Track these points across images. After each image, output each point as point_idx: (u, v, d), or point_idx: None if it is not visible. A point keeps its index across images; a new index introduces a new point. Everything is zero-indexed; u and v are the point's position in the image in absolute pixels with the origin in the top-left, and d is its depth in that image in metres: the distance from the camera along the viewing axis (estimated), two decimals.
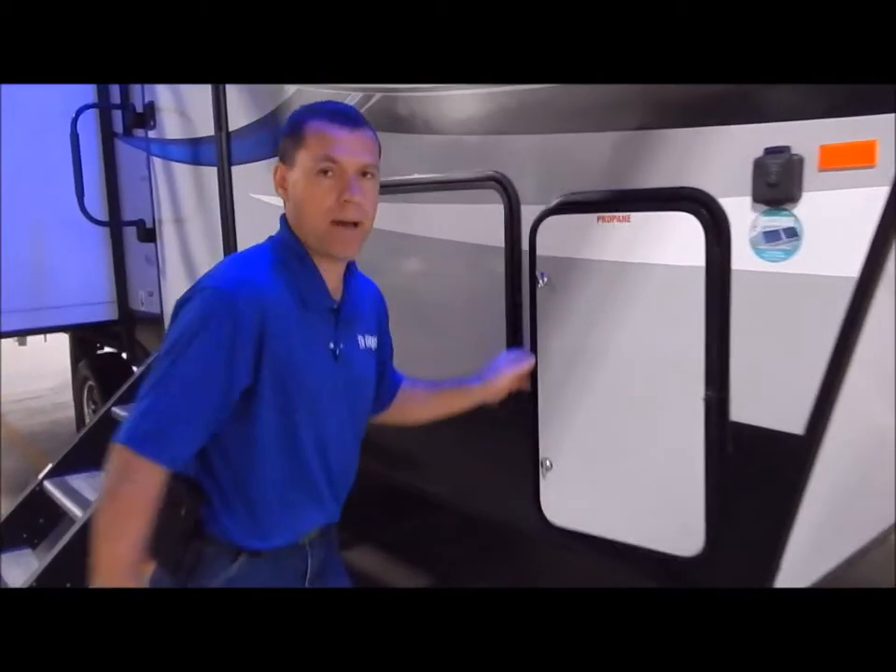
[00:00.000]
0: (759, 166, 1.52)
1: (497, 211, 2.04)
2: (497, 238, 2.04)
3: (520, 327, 2.05)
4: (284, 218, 1.42)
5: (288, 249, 1.37)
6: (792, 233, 1.49)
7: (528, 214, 1.99)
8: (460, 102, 2.08)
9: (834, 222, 1.45)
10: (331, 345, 1.39)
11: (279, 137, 1.40)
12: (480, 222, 2.09)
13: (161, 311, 3.63)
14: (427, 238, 2.23)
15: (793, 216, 1.50)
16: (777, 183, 1.49)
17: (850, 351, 1.47)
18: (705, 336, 1.63)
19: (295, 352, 1.32)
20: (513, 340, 2.05)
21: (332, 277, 1.41)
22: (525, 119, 1.96)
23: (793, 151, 1.48)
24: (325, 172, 1.31)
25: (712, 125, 1.60)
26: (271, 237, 1.44)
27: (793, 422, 1.53)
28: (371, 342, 1.52)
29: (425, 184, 2.18)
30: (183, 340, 1.26)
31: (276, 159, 1.42)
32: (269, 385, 1.30)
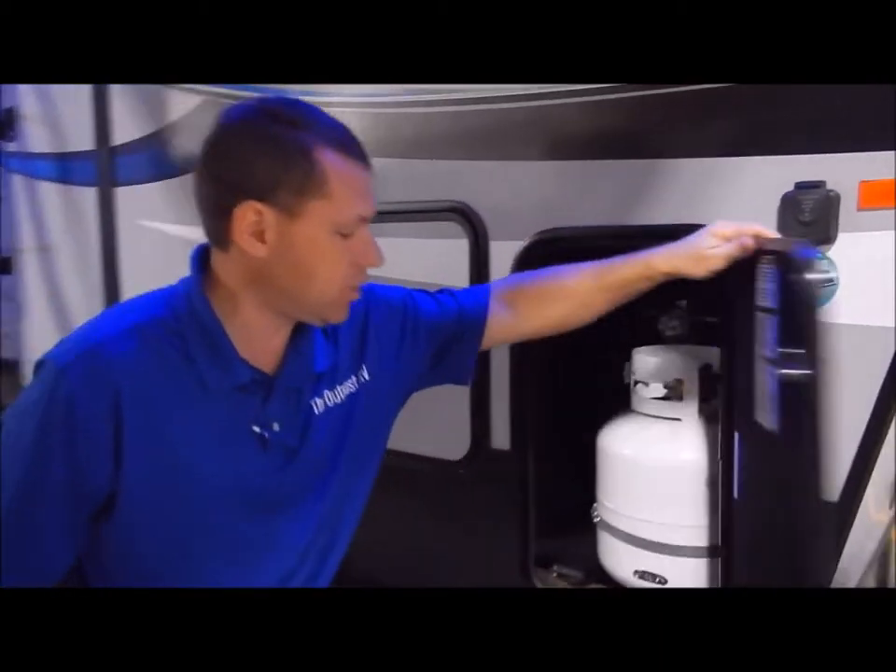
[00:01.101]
0: (788, 202, 1.35)
1: (460, 247, 1.78)
2: (462, 278, 1.78)
3: (487, 393, 1.79)
4: (199, 263, 1.01)
5: (187, 309, 0.99)
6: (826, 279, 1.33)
7: (498, 250, 1.75)
8: (420, 120, 1.81)
9: (875, 266, 1.30)
10: (257, 429, 1.01)
11: (236, 158, 0.94)
12: (440, 259, 1.82)
13: (23, 356, 3.08)
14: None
15: (827, 259, 1.33)
16: (810, 222, 1.33)
17: (893, 409, 1.31)
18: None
19: (183, 453, 0.97)
20: (481, 413, 1.80)
21: (270, 340, 1.04)
22: (498, 143, 1.72)
23: (829, 187, 1.32)
24: (349, 234, 0.97)
25: (730, 155, 1.41)
26: (171, 288, 1.03)
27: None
28: (347, 386, 1.13)
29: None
30: (10, 436, 0.93)
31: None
32: (144, 491, 0.95)
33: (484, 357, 1.79)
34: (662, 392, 1.65)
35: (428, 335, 1.23)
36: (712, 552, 1.56)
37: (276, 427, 1.02)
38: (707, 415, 1.62)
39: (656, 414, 1.66)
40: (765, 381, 1.20)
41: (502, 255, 1.74)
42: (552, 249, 1.68)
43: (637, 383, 1.70)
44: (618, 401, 1.77)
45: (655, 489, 1.60)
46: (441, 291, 1.31)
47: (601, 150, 1.57)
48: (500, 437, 1.80)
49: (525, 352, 1.75)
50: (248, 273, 0.98)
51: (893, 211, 1.28)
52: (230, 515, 1.01)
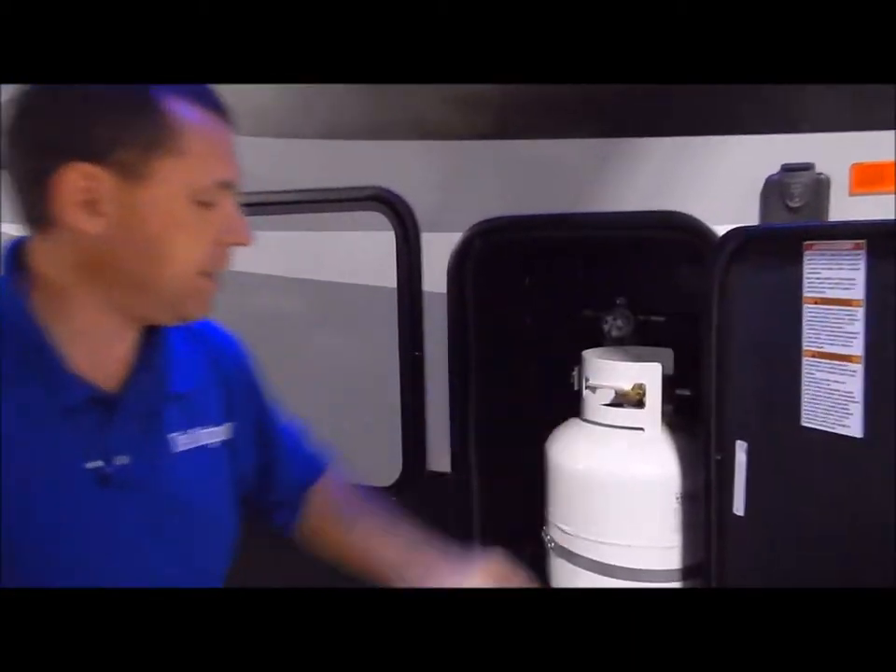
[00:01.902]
0: (773, 186, 1.22)
1: (386, 240, 1.54)
2: (389, 276, 1.54)
3: (422, 409, 1.57)
4: (15, 260, 0.82)
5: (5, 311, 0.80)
6: None
7: (431, 245, 1.52)
8: (336, 96, 1.55)
9: None
10: (96, 463, 0.81)
11: (57, 111, 0.76)
12: (364, 255, 1.57)
13: None
14: (282, 278, 1.64)
15: None
16: (799, 207, 1.21)
17: None
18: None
19: None
20: (414, 433, 1.57)
21: (110, 349, 0.85)
22: (427, 121, 1.49)
23: (818, 170, 1.20)
24: (210, 204, 0.80)
25: (707, 134, 1.27)
26: None
27: None
28: (213, 434, 0.95)
29: (281, 204, 1.59)
30: None
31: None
32: None
33: (417, 370, 1.56)
34: (619, 399, 1.50)
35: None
36: (687, 573, 1.42)
37: (120, 460, 0.82)
38: (670, 423, 1.48)
39: (614, 424, 1.50)
40: (836, 381, 1.10)
41: (436, 249, 1.51)
42: (495, 241, 1.47)
43: (588, 389, 1.53)
44: (567, 411, 1.60)
45: (620, 508, 1.44)
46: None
47: (552, 127, 1.38)
48: (438, 458, 1.58)
49: (463, 361, 1.54)
50: (80, 258, 0.79)
51: (892, 196, 1.17)
52: (62, 567, 0.80)
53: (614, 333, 1.68)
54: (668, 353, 1.56)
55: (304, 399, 1.70)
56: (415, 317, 1.53)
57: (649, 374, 1.46)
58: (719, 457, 1.27)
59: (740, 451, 1.24)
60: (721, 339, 1.24)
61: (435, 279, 1.52)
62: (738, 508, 1.25)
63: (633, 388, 1.47)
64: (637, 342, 1.69)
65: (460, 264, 1.50)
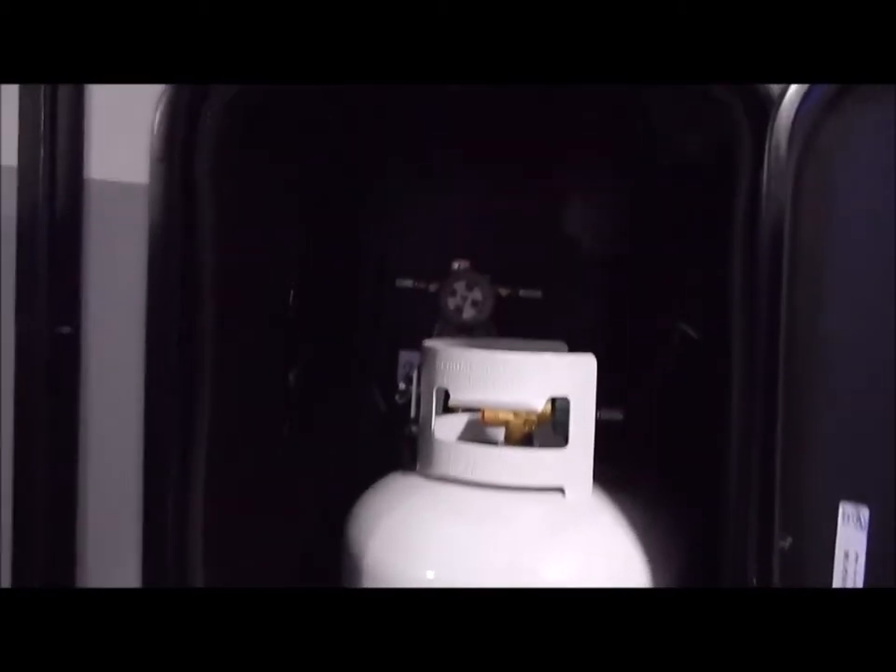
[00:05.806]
0: None
1: None
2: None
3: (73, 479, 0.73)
4: None
5: None
6: None
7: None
8: None
9: None
10: None
11: None
12: None
13: None
14: None
15: None
16: None
17: None
18: None
19: None
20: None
21: None
22: None
23: None
24: None
25: None
26: None
27: None
28: None
29: None
30: None
31: None
32: None
33: (68, 365, 0.68)
34: (475, 433, 0.74)
35: None
36: None
37: None
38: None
39: (501, 482, 0.74)
40: None
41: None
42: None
43: (445, 411, 0.76)
44: (382, 459, 0.81)
45: None
46: None
47: None
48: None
49: (185, 354, 0.67)
50: None
51: None
52: None
53: (465, 315, 0.94)
54: (561, 346, 0.87)
55: None
56: (65, 248, 0.66)
57: (578, 375, 0.72)
58: (785, 543, 0.58)
59: (850, 526, 0.56)
60: (795, 278, 0.57)
61: (117, 163, 0.66)
62: None
63: (547, 408, 0.73)
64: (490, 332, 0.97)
65: (181, 137, 0.66)
